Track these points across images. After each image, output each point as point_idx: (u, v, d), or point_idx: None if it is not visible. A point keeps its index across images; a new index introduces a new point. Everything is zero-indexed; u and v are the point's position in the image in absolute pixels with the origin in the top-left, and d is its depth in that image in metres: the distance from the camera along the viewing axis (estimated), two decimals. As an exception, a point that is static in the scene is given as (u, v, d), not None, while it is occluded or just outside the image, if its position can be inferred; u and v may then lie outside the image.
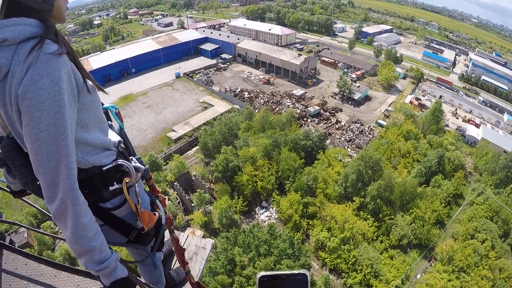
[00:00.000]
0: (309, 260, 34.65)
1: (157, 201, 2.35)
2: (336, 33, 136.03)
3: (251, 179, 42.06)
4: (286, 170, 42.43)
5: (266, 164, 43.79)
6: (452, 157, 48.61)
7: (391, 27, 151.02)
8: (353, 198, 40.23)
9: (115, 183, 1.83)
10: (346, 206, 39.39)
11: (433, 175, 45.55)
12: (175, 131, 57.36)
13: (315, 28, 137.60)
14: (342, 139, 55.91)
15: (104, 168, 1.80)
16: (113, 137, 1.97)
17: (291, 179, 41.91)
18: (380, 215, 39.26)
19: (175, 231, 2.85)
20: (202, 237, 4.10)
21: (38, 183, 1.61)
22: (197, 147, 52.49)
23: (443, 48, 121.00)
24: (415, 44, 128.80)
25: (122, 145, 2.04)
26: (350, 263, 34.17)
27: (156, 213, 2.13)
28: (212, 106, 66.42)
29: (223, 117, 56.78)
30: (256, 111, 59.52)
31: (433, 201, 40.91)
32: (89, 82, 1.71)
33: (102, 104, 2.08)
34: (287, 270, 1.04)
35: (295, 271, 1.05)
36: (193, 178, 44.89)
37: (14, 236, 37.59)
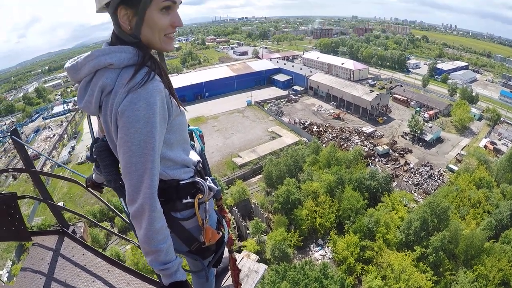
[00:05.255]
0: (358, 307, 33.69)
1: (223, 220, 2.54)
2: (409, 69, 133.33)
3: (311, 215, 41.88)
4: (348, 210, 41.81)
5: (328, 201, 43.45)
6: (527, 210, 45.23)
7: (467, 64, 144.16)
8: (414, 247, 38.30)
9: (188, 197, 2.03)
10: (406, 254, 37.56)
11: (504, 229, 42.02)
12: (240, 157, 58.97)
13: (388, 63, 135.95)
14: (410, 182, 54.26)
15: (181, 183, 2.02)
16: (194, 156, 2.20)
17: (352, 219, 41.13)
18: (441, 269, 37.03)
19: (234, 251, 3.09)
20: (256, 261, 4.24)
21: (120, 183, 1.99)
22: (261, 175, 53.31)
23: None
24: (492, 82, 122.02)
25: (200, 165, 2.25)
26: (400, 317, 32.49)
27: (220, 232, 2.31)
28: (280, 136, 67.46)
29: (290, 148, 57.30)
30: (324, 145, 59.63)
31: (501, 258, 37.56)
32: (180, 108, 2.00)
33: (188, 126, 2.36)
34: None
35: None
36: (253, 205, 45.74)
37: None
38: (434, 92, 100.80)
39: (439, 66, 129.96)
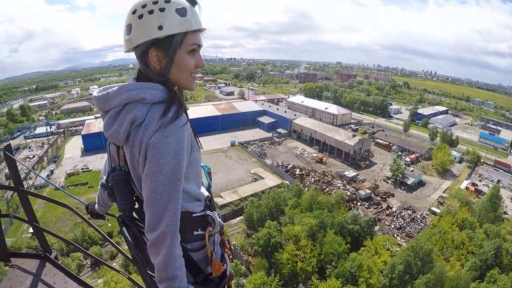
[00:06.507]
0: None
1: (225, 254, 2.56)
2: (391, 114, 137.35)
3: (292, 259, 41.01)
4: (330, 254, 41.05)
5: (309, 245, 42.74)
6: (510, 248, 44.85)
7: (447, 108, 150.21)
8: (399, 291, 37.88)
9: (199, 229, 2.11)
10: (390, 299, 37.07)
11: (489, 269, 41.63)
12: (222, 198, 58.36)
13: (370, 109, 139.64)
14: (392, 226, 53.93)
15: (194, 215, 2.09)
16: (204, 191, 2.28)
17: (334, 264, 40.30)
18: (428, 312, 36.41)
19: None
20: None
21: (130, 214, 2.13)
22: (242, 217, 52.82)
23: (500, 128, 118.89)
24: (471, 125, 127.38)
25: (209, 200, 2.32)
26: None
27: (225, 265, 2.38)
28: (263, 178, 67.43)
29: (272, 191, 57.46)
30: (306, 189, 59.39)
31: (487, 299, 37.40)
32: (198, 144, 2.10)
33: None
34: None
35: None
36: (232, 247, 44.69)
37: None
38: (415, 137, 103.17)
39: (420, 111, 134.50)
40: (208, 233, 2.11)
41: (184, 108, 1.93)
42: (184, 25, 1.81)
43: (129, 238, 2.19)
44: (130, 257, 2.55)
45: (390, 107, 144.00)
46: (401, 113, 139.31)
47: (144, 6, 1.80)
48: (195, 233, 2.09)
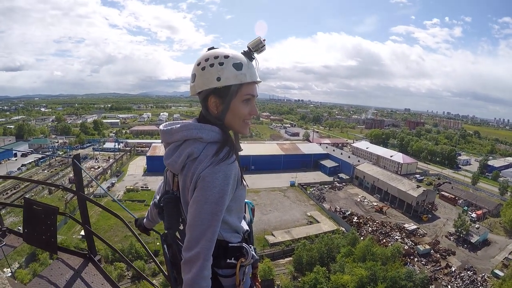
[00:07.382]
0: None
1: (254, 287, 2.65)
2: (459, 165, 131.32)
3: (336, 308, 39.99)
4: (377, 309, 39.76)
5: (356, 297, 41.68)
6: None
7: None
8: None
9: (233, 258, 2.20)
10: None
11: None
12: (274, 236, 58.82)
13: (437, 159, 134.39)
14: (449, 287, 51.03)
15: (230, 245, 2.21)
16: (244, 225, 2.39)
17: (380, 320, 38.80)
18: None
19: None
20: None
21: (174, 233, 2.33)
22: (291, 258, 52.54)
23: None
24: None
25: (247, 234, 2.43)
26: None
27: None
28: (318, 222, 67.01)
29: (326, 236, 56.65)
30: (362, 238, 58.38)
31: None
32: (244, 182, 2.21)
33: None
34: None
35: None
36: (276, 287, 44.75)
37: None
38: (483, 191, 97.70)
39: (490, 162, 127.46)
40: (240, 263, 2.22)
41: (235, 150, 2.11)
42: (239, 77, 2.01)
43: (168, 255, 2.39)
44: (167, 274, 2.67)
45: (459, 157, 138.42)
46: (470, 164, 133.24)
47: (206, 60, 2.03)
48: (228, 261, 2.21)
